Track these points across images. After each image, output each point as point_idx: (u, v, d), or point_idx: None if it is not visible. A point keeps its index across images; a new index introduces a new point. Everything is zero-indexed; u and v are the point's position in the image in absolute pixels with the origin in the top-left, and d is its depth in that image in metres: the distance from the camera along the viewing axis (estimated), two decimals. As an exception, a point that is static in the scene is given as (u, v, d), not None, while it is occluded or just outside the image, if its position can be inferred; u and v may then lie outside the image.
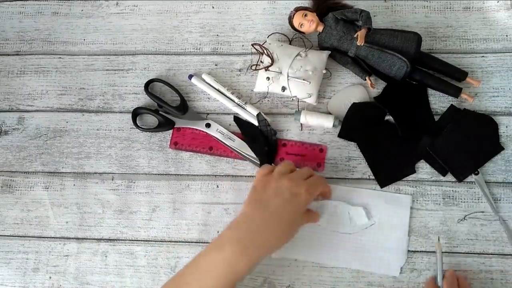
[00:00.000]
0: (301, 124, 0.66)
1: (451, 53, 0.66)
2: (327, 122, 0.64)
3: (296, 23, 0.65)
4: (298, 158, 0.65)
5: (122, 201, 0.66)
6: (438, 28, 0.68)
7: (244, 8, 0.71)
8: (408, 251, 0.61)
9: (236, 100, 0.67)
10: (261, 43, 0.66)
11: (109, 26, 0.73)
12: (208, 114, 0.68)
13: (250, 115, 0.66)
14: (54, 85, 0.71)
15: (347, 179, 0.64)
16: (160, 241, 0.64)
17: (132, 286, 0.63)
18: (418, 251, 0.61)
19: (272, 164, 0.64)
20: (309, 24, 0.64)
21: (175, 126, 0.67)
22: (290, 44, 0.68)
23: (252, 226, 0.53)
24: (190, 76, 0.68)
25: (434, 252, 0.60)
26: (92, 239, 0.65)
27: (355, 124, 0.64)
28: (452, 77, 0.64)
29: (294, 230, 0.56)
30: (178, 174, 0.66)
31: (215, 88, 0.68)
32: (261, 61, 0.66)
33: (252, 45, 0.67)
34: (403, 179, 0.63)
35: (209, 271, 0.51)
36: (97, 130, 0.69)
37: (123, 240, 0.65)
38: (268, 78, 0.65)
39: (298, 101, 0.66)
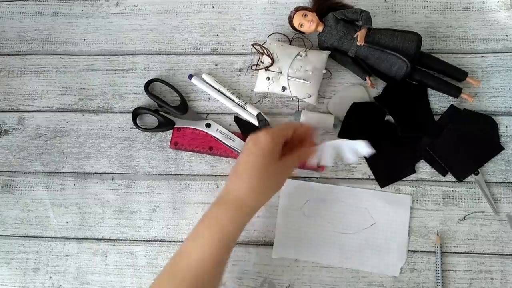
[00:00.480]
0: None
1: (451, 53, 0.66)
2: (327, 122, 0.64)
3: (296, 23, 0.65)
4: (298, 158, 0.64)
5: (122, 201, 0.66)
6: (438, 28, 0.68)
7: (244, 8, 0.71)
8: (408, 251, 0.61)
9: (236, 100, 0.67)
10: (261, 43, 0.66)
11: (109, 26, 0.73)
12: (208, 114, 0.68)
13: (250, 115, 0.66)
14: (54, 85, 0.71)
15: (347, 179, 0.64)
16: (160, 241, 0.64)
17: (132, 286, 0.63)
18: (418, 251, 0.61)
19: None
20: (309, 24, 0.64)
21: (175, 126, 0.67)
22: (290, 44, 0.68)
23: (228, 186, 0.54)
24: (190, 76, 0.68)
25: (434, 252, 0.60)
26: (92, 239, 0.65)
27: (355, 124, 0.64)
28: (452, 77, 0.64)
29: (272, 179, 0.54)
30: (178, 174, 0.66)
31: (215, 88, 0.68)
32: (261, 61, 0.66)
33: (252, 45, 0.67)
34: (403, 179, 0.63)
35: (201, 237, 0.52)
36: (97, 130, 0.69)
37: (123, 240, 0.65)
38: (268, 78, 0.65)
39: (298, 101, 0.66)
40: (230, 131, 0.66)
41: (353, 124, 0.64)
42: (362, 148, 0.57)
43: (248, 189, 0.53)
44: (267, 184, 0.54)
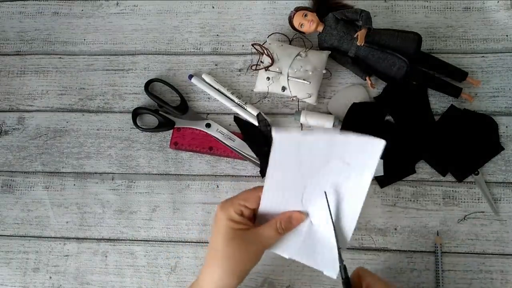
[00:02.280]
0: (301, 124, 0.66)
1: (451, 53, 0.66)
2: (327, 122, 0.64)
3: (296, 23, 0.65)
4: (298, 158, 0.64)
5: (122, 201, 0.66)
6: (438, 28, 0.68)
7: (244, 8, 0.71)
8: (408, 251, 0.61)
9: (236, 100, 0.67)
10: (261, 43, 0.66)
11: (109, 26, 0.73)
12: (208, 114, 0.68)
13: (250, 115, 0.66)
14: (54, 85, 0.71)
15: (347, 179, 0.64)
16: (160, 241, 0.64)
17: (132, 286, 0.63)
18: (418, 251, 0.61)
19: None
20: (309, 24, 0.64)
21: (175, 126, 0.67)
22: (290, 44, 0.68)
23: (205, 262, 0.50)
24: (190, 76, 0.68)
25: (434, 252, 0.60)
26: (92, 239, 0.65)
27: (355, 124, 0.64)
28: (452, 77, 0.64)
29: (234, 258, 0.47)
30: (178, 174, 0.66)
31: (215, 88, 0.68)
32: (261, 61, 0.67)
33: (252, 45, 0.67)
34: (403, 179, 0.63)
35: None
36: (97, 130, 0.69)
37: (123, 240, 0.65)
38: (268, 78, 0.65)
39: (298, 101, 0.66)
40: (230, 131, 0.66)
41: (353, 124, 0.64)
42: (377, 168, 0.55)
43: (208, 274, 0.48)
44: (227, 265, 0.47)
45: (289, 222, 0.49)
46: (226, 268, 0.47)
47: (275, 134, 0.45)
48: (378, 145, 0.45)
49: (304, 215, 0.49)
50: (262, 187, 0.48)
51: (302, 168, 0.47)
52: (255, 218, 0.50)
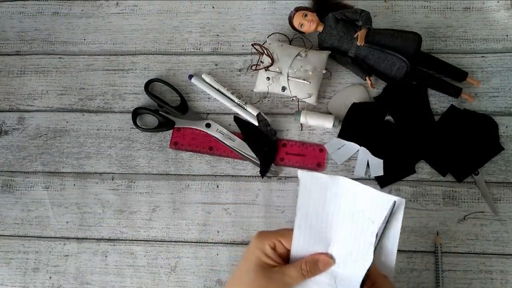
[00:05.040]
0: (301, 124, 0.66)
1: (451, 53, 0.66)
2: (327, 122, 0.64)
3: (296, 23, 0.65)
4: (298, 158, 0.65)
5: (122, 201, 0.66)
6: (438, 28, 0.68)
7: (244, 8, 0.71)
8: (408, 251, 0.61)
9: (236, 100, 0.67)
10: (261, 43, 0.66)
11: (109, 26, 0.73)
12: (208, 114, 0.68)
13: (250, 115, 0.66)
14: (54, 85, 0.71)
15: (347, 179, 0.64)
16: (160, 241, 0.64)
17: (132, 286, 0.63)
18: (418, 251, 0.61)
19: (273, 163, 0.64)
20: (309, 24, 0.64)
21: (175, 126, 0.67)
22: (290, 44, 0.68)
23: None
24: (190, 76, 0.68)
25: (434, 252, 0.60)
26: (92, 239, 0.65)
27: (355, 124, 0.64)
28: (452, 77, 0.64)
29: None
30: (178, 174, 0.66)
31: (215, 88, 0.68)
32: (261, 61, 0.66)
33: (252, 45, 0.67)
34: (403, 179, 0.63)
35: None
36: (97, 130, 0.69)
37: (123, 240, 0.65)
38: (268, 78, 0.65)
39: (298, 101, 0.66)
40: (230, 131, 0.66)
41: (353, 124, 0.64)
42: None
43: None
44: None
45: (315, 265, 0.46)
46: None
47: (300, 174, 0.44)
48: (400, 204, 0.42)
49: (332, 260, 0.46)
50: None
51: (327, 212, 0.45)
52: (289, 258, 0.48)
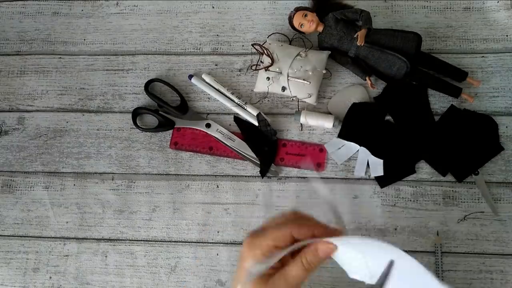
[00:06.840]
0: (301, 124, 0.66)
1: (451, 53, 0.66)
2: (327, 122, 0.64)
3: (296, 23, 0.65)
4: (298, 158, 0.65)
5: (122, 201, 0.66)
6: (438, 28, 0.68)
7: (244, 8, 0.71)
8: (408, 251, 0.60)
9: (236, 100, 0.67)
10: (261, 43, 0.66)
11: (109, 26, 0.73)
12: (208, 114, 0.68)
13: (250, 115, 0.66)
14: (54, 85, 0.71)
15: (347, 179, 0.64)
16: (160, 241, 0.64)
17: (132, 286, 0.63)
18: (418, 251, 0.61)
19: (273, 163, 0.64)
20: (309, 24, 0.64)
21: (175, 126, 0.67)
22: (290, 44, 0.68)
23: None
24: (190, 76, 0.68)
25: (434, 252, 0.60)
26: (92, 239, 0.65)
27: (355, 124, 0.64)
28: (452, 77, 0.64)
29: None
30: (178, 174, 0.66)
31: (215, 88, 0.68)
32: (261, 61, 0.66)
33: (252, 45, 0.67)
34: (403, 179, 0.63)
35: None
36: (97, 130, 0.69)
37: (123, 240, 0.65)
38: (268, 78, 0.65)
39: (298, 101, 0.66)
40: (230, 131, 0.66)
41: (353, 124, 0.64)
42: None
43: None
44: None
45: (315, 255, 0.41)
46: None
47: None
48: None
49: (333, 245, 0.42)
50: (292, 223, 0.43)
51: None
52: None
